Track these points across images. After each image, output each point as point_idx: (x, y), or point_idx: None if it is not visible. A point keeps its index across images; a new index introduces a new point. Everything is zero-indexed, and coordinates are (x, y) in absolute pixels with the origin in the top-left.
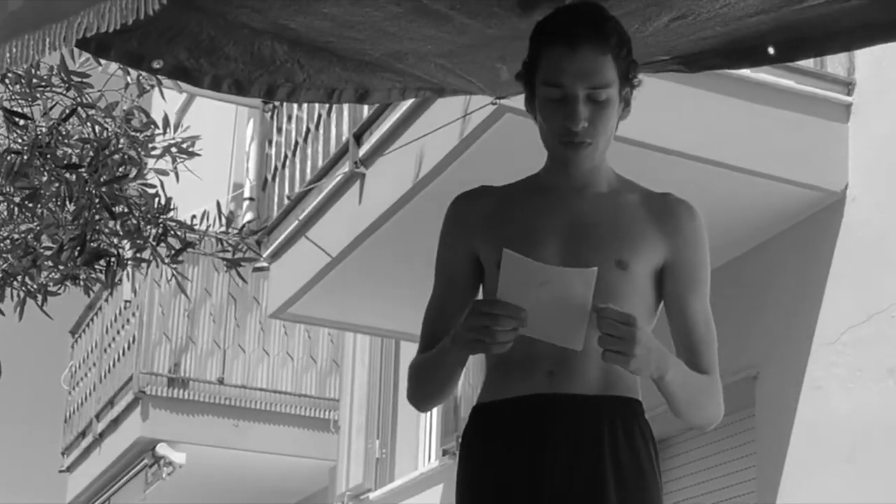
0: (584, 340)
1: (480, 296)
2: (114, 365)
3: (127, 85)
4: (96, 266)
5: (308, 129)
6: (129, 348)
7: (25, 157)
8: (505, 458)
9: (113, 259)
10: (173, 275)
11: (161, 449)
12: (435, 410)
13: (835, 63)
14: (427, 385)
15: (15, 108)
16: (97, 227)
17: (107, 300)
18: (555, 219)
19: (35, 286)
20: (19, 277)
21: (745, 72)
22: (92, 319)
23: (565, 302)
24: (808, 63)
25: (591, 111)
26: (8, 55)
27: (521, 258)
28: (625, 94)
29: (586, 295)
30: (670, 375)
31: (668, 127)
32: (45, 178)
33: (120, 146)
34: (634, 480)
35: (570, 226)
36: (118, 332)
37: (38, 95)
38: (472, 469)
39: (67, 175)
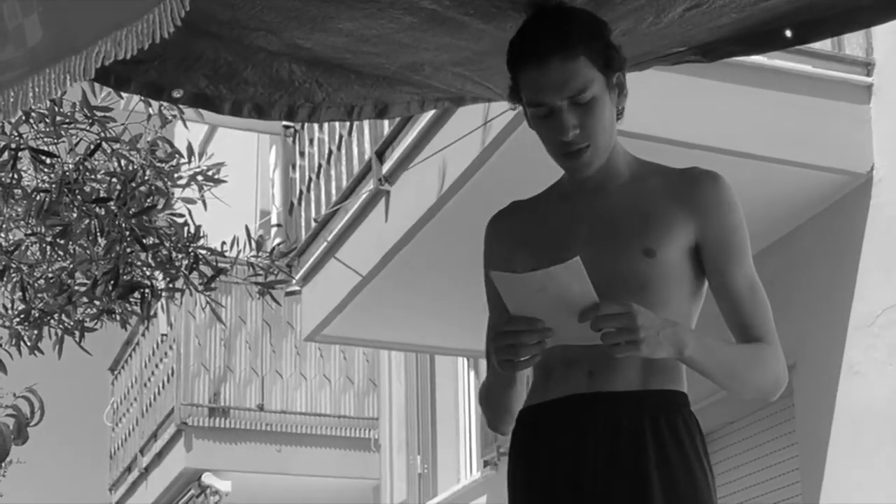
0: None
1: None
2: (154, 399)
3: (149, 116)
4: (131, 299)
5: (330, 151)
6: (168, 381)
7: (54, 196)
8: (548, 457)
9: (147, 291)
10: (207, 302)
11: (207, 478)
12: (474, 422)
13: (852, 44)
14: (494, 409)
15: (41, 147)
16: (129, 260)
17: (143, 335)
18: (579, 221)
19: (72, 323)
20: (56, 315)
21: (762, 59)
22: (130, 355)
23: (570, 300)
24: (825, 46)
25: (579, 115)
26: (31, 92)
27: (508, 275)
28: (616, 80)
29: (584, 286)
30: (690, 350)
31: (686, 120)
32: (74, 215)
33: (146, 178)
34: (681, 474)
35: (595, 224)
36: (157, 366)
37: (63, 133)
38: (519, 470)
39: (97, 210)
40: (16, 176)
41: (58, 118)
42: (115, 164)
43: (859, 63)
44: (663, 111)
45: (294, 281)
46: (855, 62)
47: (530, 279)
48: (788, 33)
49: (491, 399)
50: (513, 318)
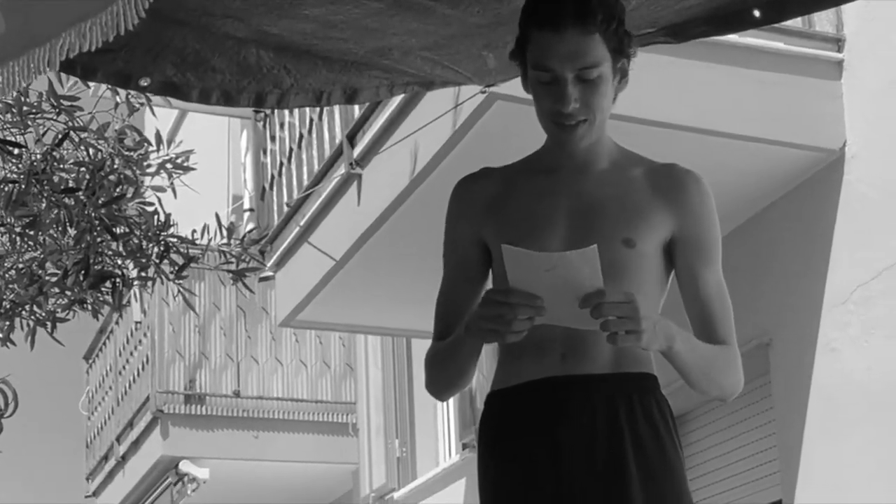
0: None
1: (490, 280)
2: (130, 387)
3: (117, 105)
4: (102, 288)
5: (301, 135)
6: (143, 369)
7: (23, 186)
8: (523, 443)
9: (118, 280)
10: (179, 291)
11: (184, 466)
12: (452, 404)
13: (822, 21)
14: (443, 374)
15: (8, 138)
16: (100, 250)
17: (117, 323)
18: (559, 200)
19: (44, 314)
20: (27, 306)
21: (733, 37)
22: (104, 343)
23: (577, 284)
24: (795, 23)
25: (581, 91)
26: None
27: (519, 251)
28: (620, 65)
29: (594, 273)
30: (678, 345)
31: (659, 100)
32: (43, 205)
33: (115, 167)
34: (655, 454)
35: (574, 206)
36: (131, 354)
37: (30, 123)
38: (491, 456)
39: (66, 200)
40: None
41: (24, 108)
42: (84, 153)
43: (830, 39)
44: (635, 90)
45: (267, 267)
46: (826, 38)
47: (542, 259)
48: (757, 13)
49: (446, 363)
50: (511, 290)
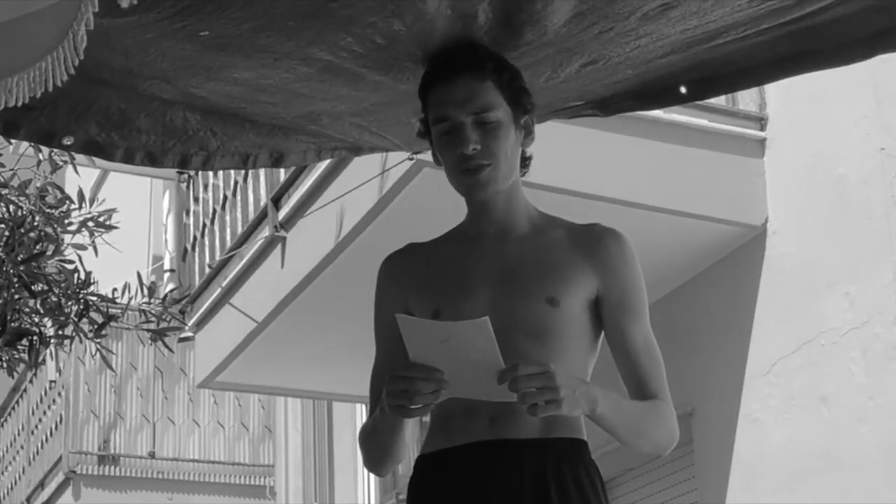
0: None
1: None
2: (42, 446)
3: (39, 162)
4: (19, 346)
5: (225, 197)
6: (56, 428)
7: None
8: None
9: (35, 338)
10: (97, 350)
11: None
12: None
13: (746, 99)
14: (375, 451)
15: None
16: (17, 307)
17: (31, 381)
18: (482, 267)
19: None
20: None
21: (659, 113)
22: (17, 402)
23: (473, 357)
24: (720, 101)
25: (481, 135)
26: None
27: (414, 320)
28: (524, 122)
29: (490, 345)
30: (601, 407)
31: (586, 171)
32: None
33: (36, 224)
34: None
35: (497, 271)
36: (45, 413)
37: None
38: None
39: None
40: None
41: None
42: (4, 209)
43: (753, 118)
44: (562, 163)
45: (187, 327)
46: (749, 117)
47: (435, 328)
48: (683, 90)
49: (373, 440)
50: (411, 365)
